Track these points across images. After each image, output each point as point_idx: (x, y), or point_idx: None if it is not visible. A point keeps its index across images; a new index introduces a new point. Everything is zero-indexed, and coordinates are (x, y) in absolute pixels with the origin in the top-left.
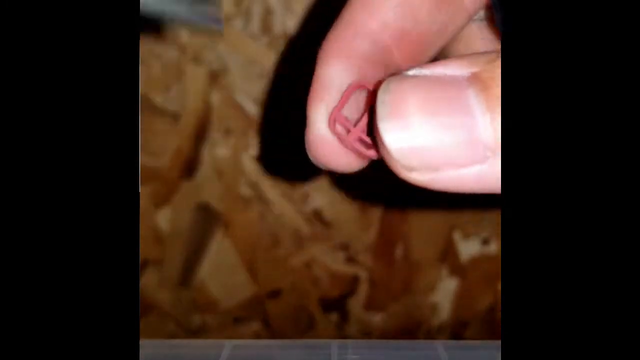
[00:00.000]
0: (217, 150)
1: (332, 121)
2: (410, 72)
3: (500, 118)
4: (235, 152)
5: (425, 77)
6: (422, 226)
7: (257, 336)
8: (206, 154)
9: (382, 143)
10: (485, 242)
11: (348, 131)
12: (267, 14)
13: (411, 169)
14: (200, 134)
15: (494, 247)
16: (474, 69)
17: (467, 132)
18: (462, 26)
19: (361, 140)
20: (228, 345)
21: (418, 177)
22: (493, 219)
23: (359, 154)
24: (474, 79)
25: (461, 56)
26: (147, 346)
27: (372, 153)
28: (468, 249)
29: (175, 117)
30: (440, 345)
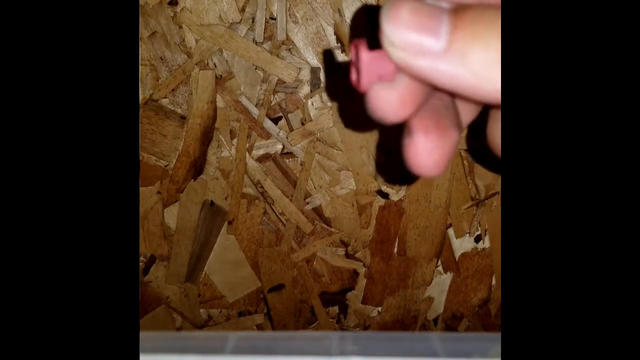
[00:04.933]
0: (223, 151)
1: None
2: None
3: (456, 40)
4: (239, 152)
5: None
6: (418, 224)
7: (260, 329)
8: (212, 155)
9: (382, 31)
10: (479, 238)
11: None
12: (270, 21)
13: (394, 45)
14: (206, 136)
15: (487, 244)
16: (455, 6)
17: (433, 34)
18: None
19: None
20: (232, 337)
21: (397, 52)
22: (486, 217)
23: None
24: (452, 10)
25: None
26: (154, 338)
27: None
28: (462, 245)
29: (182, 119)
30: (435, 337)
